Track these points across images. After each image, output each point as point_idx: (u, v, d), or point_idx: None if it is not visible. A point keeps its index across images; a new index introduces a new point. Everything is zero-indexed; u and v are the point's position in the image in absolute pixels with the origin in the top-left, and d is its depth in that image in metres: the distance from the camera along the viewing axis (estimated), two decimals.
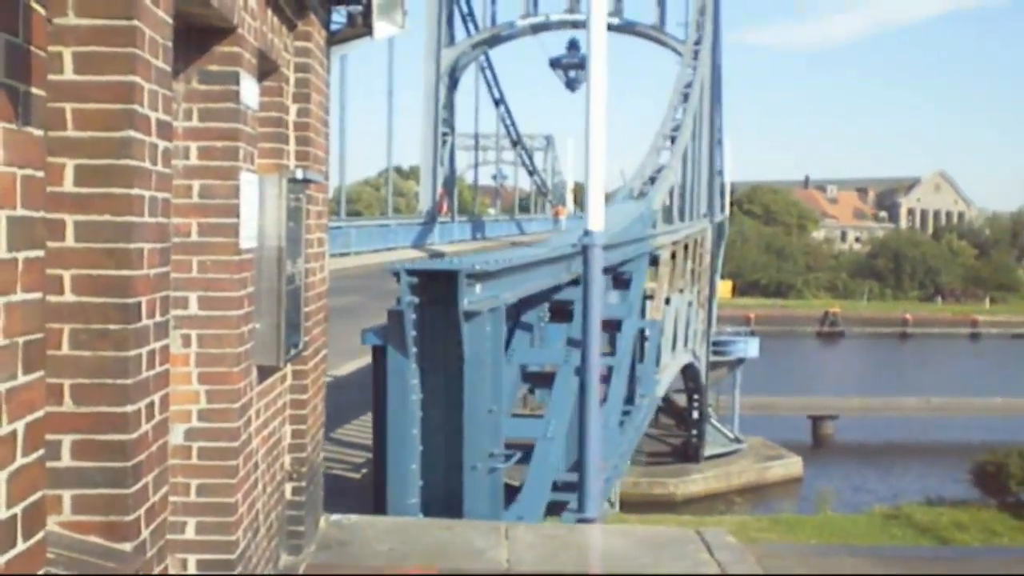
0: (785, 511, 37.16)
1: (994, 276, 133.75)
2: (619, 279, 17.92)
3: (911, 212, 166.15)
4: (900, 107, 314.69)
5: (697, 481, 42.73)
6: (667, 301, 26.28)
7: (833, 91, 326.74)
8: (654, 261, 23.40)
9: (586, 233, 10.92)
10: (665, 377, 25.28)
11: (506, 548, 7.24)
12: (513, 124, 59.92)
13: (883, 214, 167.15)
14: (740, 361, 48.48)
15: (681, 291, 30.65)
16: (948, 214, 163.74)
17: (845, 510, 37.59)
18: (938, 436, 54.80)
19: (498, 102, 56.74)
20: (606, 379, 18.09)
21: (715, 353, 46.49)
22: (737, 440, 46.74)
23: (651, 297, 22.65)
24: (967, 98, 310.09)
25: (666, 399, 44.54)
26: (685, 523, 30.53)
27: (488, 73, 54.28)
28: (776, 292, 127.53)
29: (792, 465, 46.32)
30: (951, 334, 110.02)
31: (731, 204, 74.89)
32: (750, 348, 48.87)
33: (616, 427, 15.53)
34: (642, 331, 21.87)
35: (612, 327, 16.48)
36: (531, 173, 65.22)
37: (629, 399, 18.36)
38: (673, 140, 34.37)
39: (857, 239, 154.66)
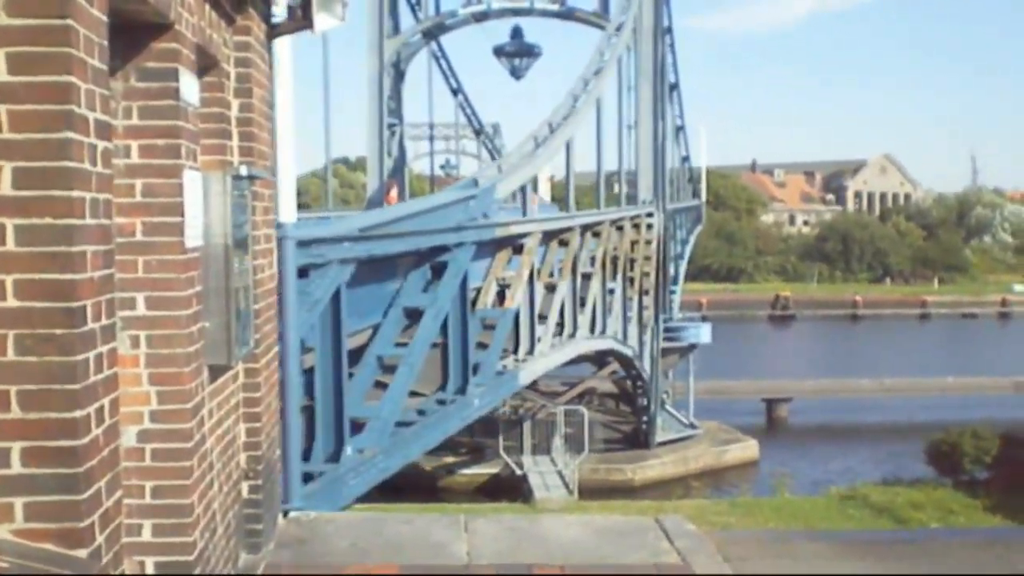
0: (743, 494, 37.37)
1: (942, 257, 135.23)
2: (436, 267, 17.99)
3: (858, 195, 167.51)
4: (845, 90, 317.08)
5: (655, 466, 42.89)
6: (551, 288, 26.09)
7: (779, 75, 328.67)
8: (518, 249, 23.34)
9: (278, 225, 10.15)
10: (540, 365, 25.13)
11: (466, 541, 7.22)
12: (474, 113, 59.77)
13: (830, 197, 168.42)
14: (692, 347, 48.63)
15: (586, 277, 30.47)
16: (895, 196, 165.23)
17: (802, 492, 37.84)
18: (892, 416, 55.31)
19: (456, 91, 56.57)
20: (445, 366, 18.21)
21: (667, 339, 46.59)
22: (692, 425, 46.94)
23: (507, 286, 22.61)
24: (911, 80, 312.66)
25: (619, 385, 44.74)
26: (644, 509, 30.65)
27: (443, 62, 54.05)
28: (727, 277, 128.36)
29: (748, 448, 46.62)
30: (901, 315, 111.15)
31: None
32: (702, 334, 49.01)
33: (390, 415, 15.46)
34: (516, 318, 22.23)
35: (415, 316, 16.67)
36: (494, 159, 65.11)
37: (462, 389, 18.37)
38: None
39: (805, 222, 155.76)
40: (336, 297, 13.06)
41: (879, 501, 33.93)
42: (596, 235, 32.08)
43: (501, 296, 22.59)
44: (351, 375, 14.24)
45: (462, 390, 18.36)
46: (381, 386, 15.98)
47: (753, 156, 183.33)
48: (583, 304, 29.63)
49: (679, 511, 29.24)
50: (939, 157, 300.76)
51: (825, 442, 51.16)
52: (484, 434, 42.51)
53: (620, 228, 36.45)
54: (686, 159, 70.28)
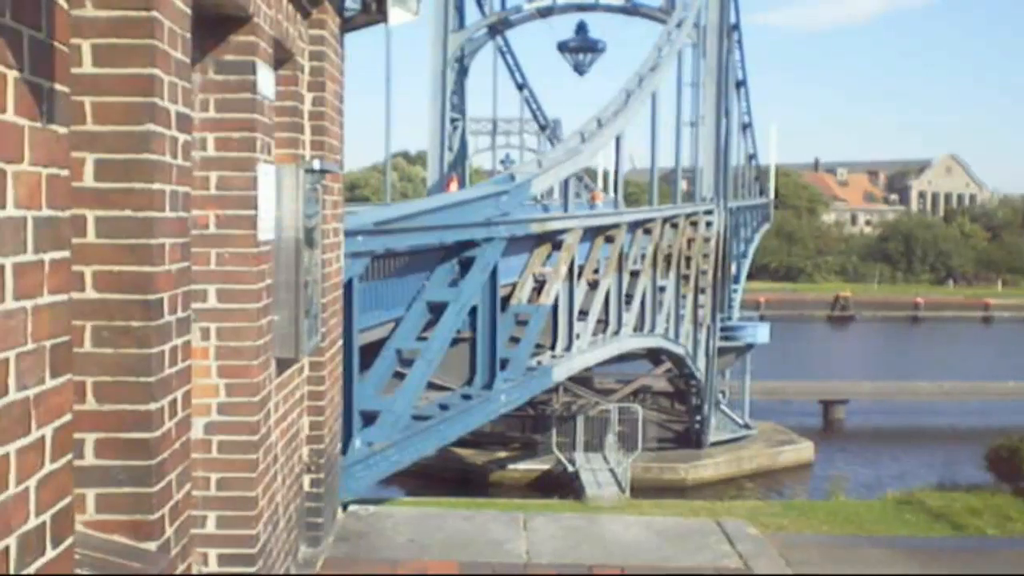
0: (797, 496, 37.13)
1: (1006, 259, 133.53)
2: (464, 262, 17.92)
3: (922, 195, 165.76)
4: (911, 89, 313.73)
5: (708, 466, 42.67)
6: (593, 285, 25.93)
7: (844, 73, 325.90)
8: (557, 245, 23.22)
9: None
10: (577, 362, 24.98)
11: (525, 539, 7.20)
12: (539, 108, 59.71)
13: (894, 197, 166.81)
14: (749, 347, 48.32)
15: (635, 275, 30.29)
16: (959, 197, 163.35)
17: (857, 495, 37.51)
18: (950, 420, 54.70)
19: (521, 86, 56.53)
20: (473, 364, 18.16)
21: (724, 338, 46.34)
22: (746, 426, 46.64)
23: (543, 282, 22.50)
24: (979, 80, 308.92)
25: (674, 384, 44.51)
26: (697, 509, 30.50)
27: (509, 58, 54.03)
28: (786, 276, 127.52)
29: (803, 450, 46.24)
30: (963, 317, 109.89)
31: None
32: (759, 334, 48.66)
33: (403, 409, 15.40)
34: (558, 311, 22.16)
35: (438, 310, 16.64)
36: None
37: (488, 384, 18.31)
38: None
39: (868, 222, 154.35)
40: (347, 290, 13.12)
41: (936, 506, 33.54)
42: (647, 232, 31.93)
43: (540, 292, 22.60)
44: (367, 367, 14.25)
45: (489, 385, 18.35)
46: (402, 379, 16.03)
47: (816, 154, 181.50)
48: (629, 301, 29.48)
49: (732, 512, 29.15)
50: (1006, 158, 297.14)
51: (882, 445, 50.68)
52: (536, 430, 42.50)
53: (675, 225, 36.27)
54: (753, 157, 69.67)
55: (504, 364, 19.00)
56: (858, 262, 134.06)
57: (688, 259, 39.01)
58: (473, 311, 17.76)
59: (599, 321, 27.53)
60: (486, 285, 17.99)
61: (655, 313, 32.63)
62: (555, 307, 23.35)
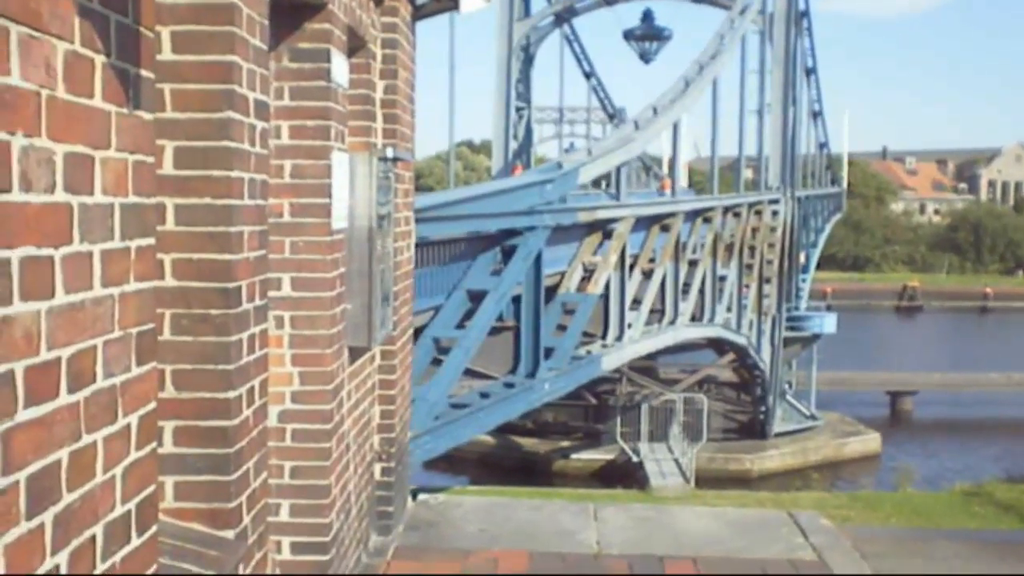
0: (863, 488, 36.78)
1: None
2: (507, 250, 17.80)
3: (991, 184, 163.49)
4: (980, 77, 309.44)
5: (773, 457, 42.39)
6: (647, 274, 25.77)
7: (911, 61, 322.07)
8: (608, 234, 23.04)
9: None
10: (628, 352, 24.80)
11: (596, 530, 7.16)
12: (607, 96, 59.48)
13: (963, 186, 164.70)
14: (816, 337, 47.92)
15: (693, 264, 30.06)
16: None
17: (924, 487, 37.09)
18: (1020, 412, 53.97)
19: (588, 75, 56.34)
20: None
21: (790, 329, 46.00)
22: (812, 417, 46.26)
23: (593, 271, 22.35)
24: None
25: (739, 374, 44.25)
26: (763, 500, 30.29)
27: (576, 46, 53.84)
28: (853, 266, 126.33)
29: (870, 441, 45.79)
30: None
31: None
32: (826, 324, 48.27)
33: (438, 398, 15.32)
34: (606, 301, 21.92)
35: (478, 299, 16.57)
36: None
37: (532, 372, 18.22)
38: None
39: (936, 211, 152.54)
40: None
41: (1005, 499, 33.06)
42: (707, 221, 31.70)
43: (589, 281, 22.54)
44: None
45: (532, 374, 18.31)
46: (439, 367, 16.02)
47: (884, 143, 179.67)
48: (687, 291, 29.27)
49: (798, 503, 28.91)
50: None
51: (950, 436, 50.10)
52: (599, 419, 42.43)
53: (737, 215, 36.01)
54: (824, 145, 68.79)
55: (549, 353, 18.96)
56: (926, 252, 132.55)
57: (752, 248, 38.76)
58: (517, 300, 17.72)
59: (655, 311, 27.42)
60: (530, 273, 17.94)
61: (715, 303, 32.42)
62: (606, 296, 23.29)
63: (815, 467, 42.74)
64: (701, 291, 31.16)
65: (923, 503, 33.76)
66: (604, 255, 22.70)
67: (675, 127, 31.21)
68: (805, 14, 52.30)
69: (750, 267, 38.32)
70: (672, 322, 28.05)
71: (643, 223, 26.30)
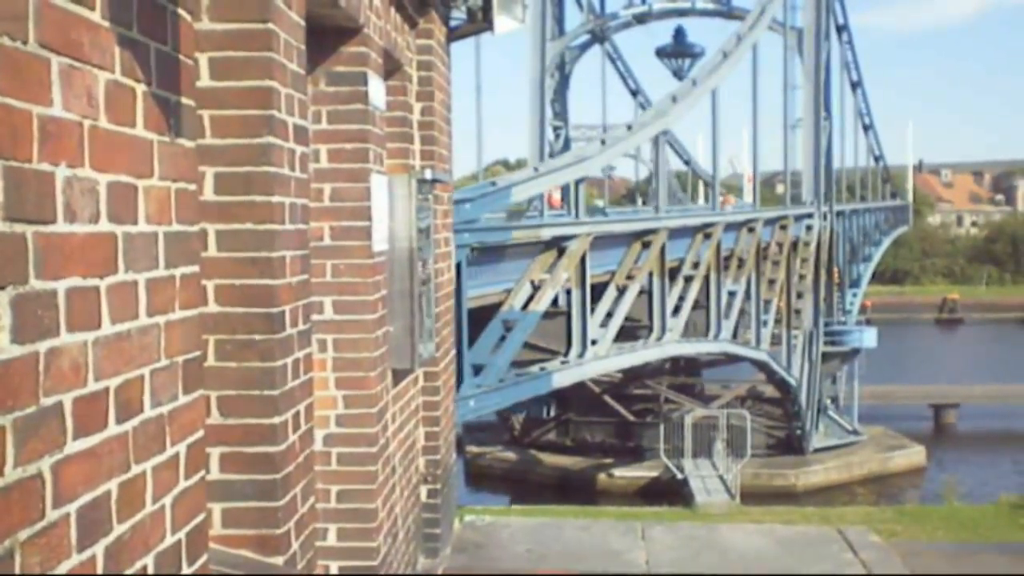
0: (909, 502, 36.35)
1: None
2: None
3: None
4: (1015, 87, 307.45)
5: (818, 472, 42.05)
6: (621, 290, 25.63)
7: (948, 72, 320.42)
8: (562, 251, 22.98)
9: None
10: (590, 369, 24.62)
11: (644, 549, 7.10)
12: None
13: (1000, 197, 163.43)
14: (856, 351, 47.55)
15: (689, 280, 29.86)
16: None
17: (971, 500, 36.71)
18: None
19: (635, 92, 56.22)
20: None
21: (830, 343, 45.69)
22: (855, 432, 45.88)
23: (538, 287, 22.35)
24: None
25: (780, 390, 43.98)
26: (809, 515, 30.01)
27: (620, 64, 53.70)
28: (892, 279, 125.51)
29: (915, 455, 45.38)
30: None
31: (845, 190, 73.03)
32: (866, 338, 47.82)
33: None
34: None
35: None
36: (687, 163, 64.46)
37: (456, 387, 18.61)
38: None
39: (974, 223, 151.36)
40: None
41: None
42: (708, 236, 31.50)
43: (554, 300, 22.70)
44: None
45: (456, 387, 18.54)
46: None
47: (920, 156, 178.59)
48: (678, 308, 29.15)
49: (844, 518, 28.64)
50: None
51: (994, 449, 49.60)
52: (640, 437, 42.24)
53: (751, 229, 35.82)
54: (879, 158, 67.91)
55: (478, 370, 19.02)
56: (965, 264, 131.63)
57: (776, 263, 38.53)
58: None
59: (643, 326, 27.52)
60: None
61: (720, 318, 32.18)
62: (569, 314, 23.39)
63: (860, 482, 42.37)
64: (705, 307, 31.16)
65: (969, 516, 33.36)
66: (554, 273, 22.64)
67: (657, 140, 31.17)
68: (844, 27, 52.03)
69: (773, 282, 38.07)
70: (659, 338, 28.00)
71: (624, 240, 26.64)
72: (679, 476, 38.04)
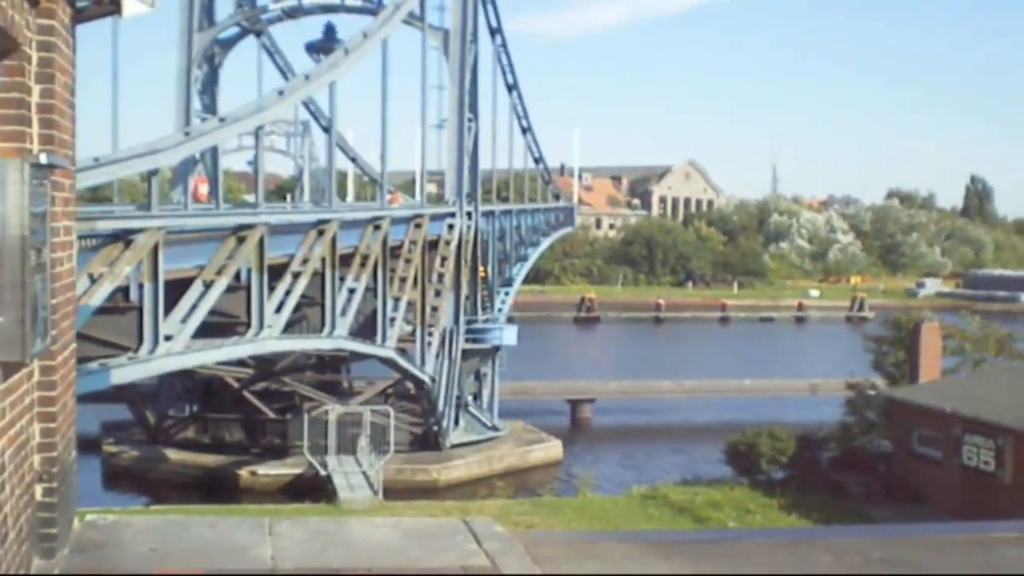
0: (546, 494, 37.77)
1: (742, 262, 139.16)
2: None
3: (663, 200, 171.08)
4: (652, 97, 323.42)
5: (459, 467, 43.03)
6: (206, 286, 25.97)
7: (589, 80, 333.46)
8: (128, 244, 23.04)
9: None
10: (158, 365, 24.76)
11: (271, 544, 7.05)
12: (319, 110, 58.86)
13: (636, 201, 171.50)
14: (497, 349, 48.82)
15: (296, 276, 30.31)
16: (698, 202, 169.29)
17: (605, 491, 38.40)
18: (692, 417, 56.57)
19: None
20: None
21: (472, 340, 46.71)
22: (494, 427, 47.19)
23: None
24: (715, 89, 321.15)
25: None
26: (449, 509, 30.63)
27: (278, 58, 52.61)
28: (534, 278, 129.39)
29: (552, 449, 47.12)
30: (702, 318, 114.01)
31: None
32: (506, 336, 49.16)
33: None
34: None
35: None
36: (352, 160, 63.41)
37: None
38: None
39: (611, 226, 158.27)
40: None
41: (679, 500, 34.64)
42: (321, 233, 31.82)
43: (126, 293, 22.51)
44: None
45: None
46: None
47: (560, 159, 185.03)
48: (281, 304, 29.37)
49: (484, 511, 29.39)
50: (742, 165, 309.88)
51: (627, 442, 52.06)
52: (282, 433, 42.05)
53: (378, 227, 36.32)
54: (538, 160, 69.25)
55: None
56: (603, 265, 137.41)
57: (409, 261, 39.11)
58: None
59: (242, 323, 27.72)
60: None
61: (334, 315, 32.49)
62: (141, 309, 23.24)
63: (500, 475, 43.64)
64: (321, 304, 31.65)
65: (603, 507, 34.92)
66: (111, 267, 22.31)
67: (257, 133, 31.49)
68: (498, 30, 53.07)
69: (404, 280, 38.61)
70: (257, 334, 28.08)
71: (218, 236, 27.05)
72: (323, 473, 38.07)
